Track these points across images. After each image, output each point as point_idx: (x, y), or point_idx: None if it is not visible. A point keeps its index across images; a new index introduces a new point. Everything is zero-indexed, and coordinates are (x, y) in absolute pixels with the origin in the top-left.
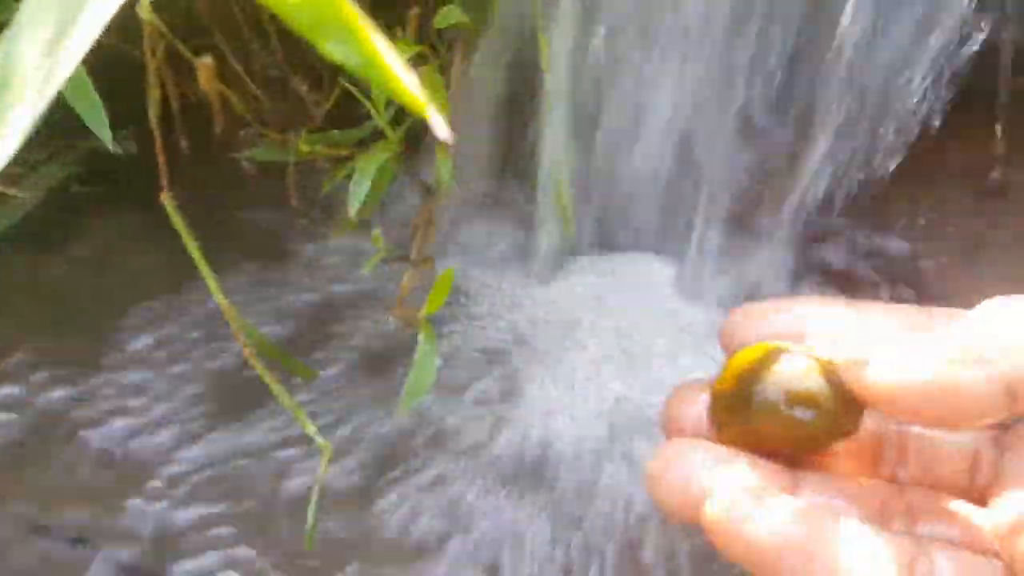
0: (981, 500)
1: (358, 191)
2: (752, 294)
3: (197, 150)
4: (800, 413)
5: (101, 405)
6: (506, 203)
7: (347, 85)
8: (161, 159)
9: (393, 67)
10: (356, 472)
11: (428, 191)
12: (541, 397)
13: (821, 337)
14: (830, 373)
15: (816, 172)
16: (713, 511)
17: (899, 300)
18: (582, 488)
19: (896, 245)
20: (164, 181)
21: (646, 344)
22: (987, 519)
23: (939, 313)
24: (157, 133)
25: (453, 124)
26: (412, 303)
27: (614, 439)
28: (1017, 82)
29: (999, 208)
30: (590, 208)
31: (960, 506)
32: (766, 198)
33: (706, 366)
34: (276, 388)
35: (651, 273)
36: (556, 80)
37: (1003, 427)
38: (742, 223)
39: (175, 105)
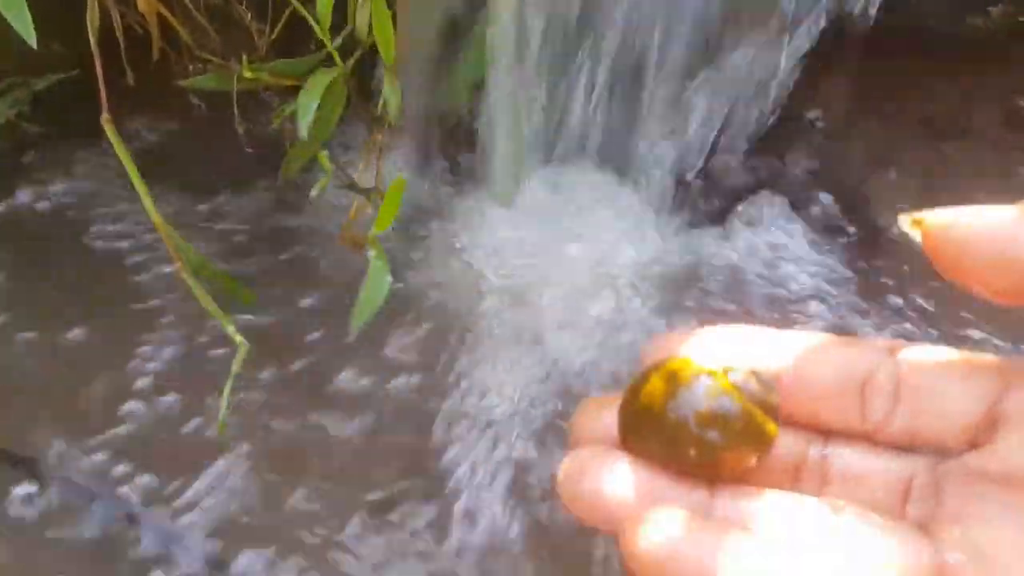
0: (920, 527)
1: (305, 114)
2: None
3: (144, 84)
4: (710, 435)
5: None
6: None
7: (295, 3)
8: (101, 83)
9: None
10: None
11: (376, 118)
12: None
13: (739, 361)
14: (744, 393)
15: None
16: (635, 535)
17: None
18: None
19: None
20: (104, 104)
21: None
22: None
23: (866, 343)
24: (97, 56)
25: (399, 47)
26: (363, 231)
27: None
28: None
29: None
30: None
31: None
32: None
33: None
34: (201, 295)
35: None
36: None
37: (943, 454)
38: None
39: (120, 37)
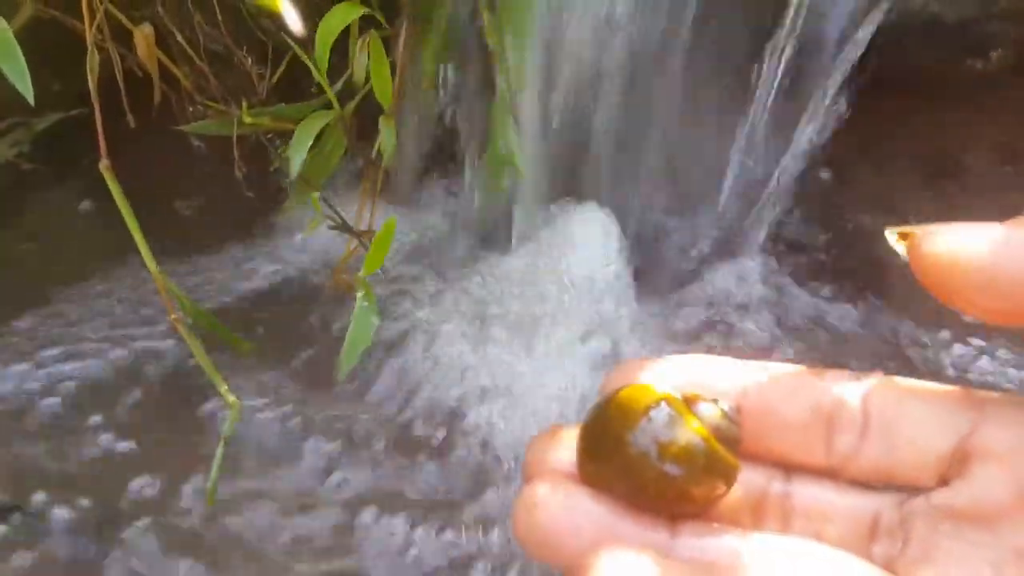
0: (887, 567)
1: (297, 152)
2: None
3: (145, 126)
4: (671, 467)
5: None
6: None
7: (296, 48)
8: (100, 129)
9: None
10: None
11: (371, 162)
12: None
13: (701, 389)
14: (706, 423)
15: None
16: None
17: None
18: None
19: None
20: (103, 149)
21: None
22: None
23: (833, 373)
24: (96, 100)
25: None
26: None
27: None
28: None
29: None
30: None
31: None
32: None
33: None
34: (195, 347)
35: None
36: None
37: (912, 489)
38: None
39: (121, 80)
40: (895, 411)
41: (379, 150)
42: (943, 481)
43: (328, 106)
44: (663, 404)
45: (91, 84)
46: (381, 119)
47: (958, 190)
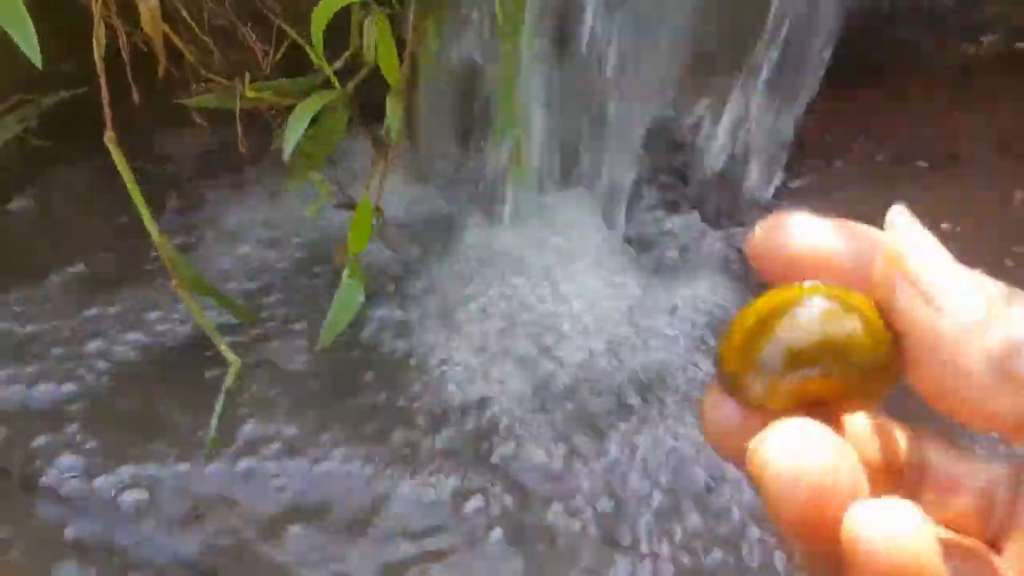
0: (994, 545)
1: (293, 131)
2: None
3: (149, 102)
4: (828, 367)
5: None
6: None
7: (294, 34)
8: (106, 103)
9: None
10: None
11: (379, 142)
12: None
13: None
14: (861, 318)
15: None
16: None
17: None
18: None
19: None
20: (108, 122)
21: None
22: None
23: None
24: (102, 74)
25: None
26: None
27: None
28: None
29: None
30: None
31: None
32: None
33: None
34: (194, 307)
35: None
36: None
37: (1020, 466)
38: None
39: (126, 56)
40: None
41: (387, 128)
42: None
43: (330, 83)
44: (816, 302)
45: (97, 56)
46: (388, 97)
47: (949, 176)
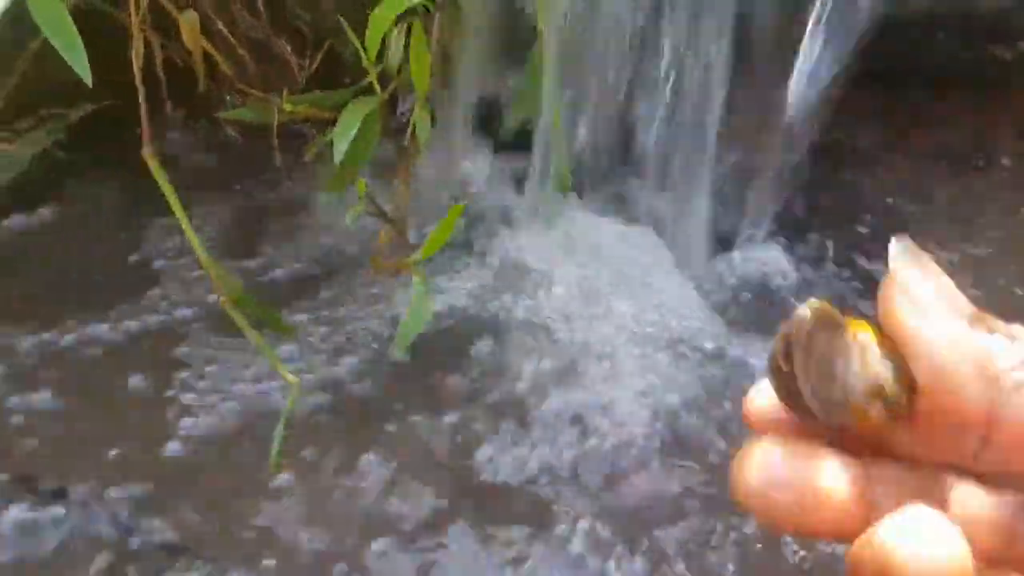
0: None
1: (342, 139)
2: None
3: (183, 115)
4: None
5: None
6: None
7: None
8: (144, 117)
9: None
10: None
11: (404, 150)
12: None
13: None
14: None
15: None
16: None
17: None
18: None
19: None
20: (145, 135)
21: None
22: None
23: None
24: (140, 86)
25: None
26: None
27: None
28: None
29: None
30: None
31: None
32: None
33: None
34: (247, 328)
35: None
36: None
37: None
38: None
39: (160, 69)
40: None
41: (411, 136)
42: None
43: (366, 92)
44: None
45: (136, 68)
46: (416, 106)
47: (983, 180)
